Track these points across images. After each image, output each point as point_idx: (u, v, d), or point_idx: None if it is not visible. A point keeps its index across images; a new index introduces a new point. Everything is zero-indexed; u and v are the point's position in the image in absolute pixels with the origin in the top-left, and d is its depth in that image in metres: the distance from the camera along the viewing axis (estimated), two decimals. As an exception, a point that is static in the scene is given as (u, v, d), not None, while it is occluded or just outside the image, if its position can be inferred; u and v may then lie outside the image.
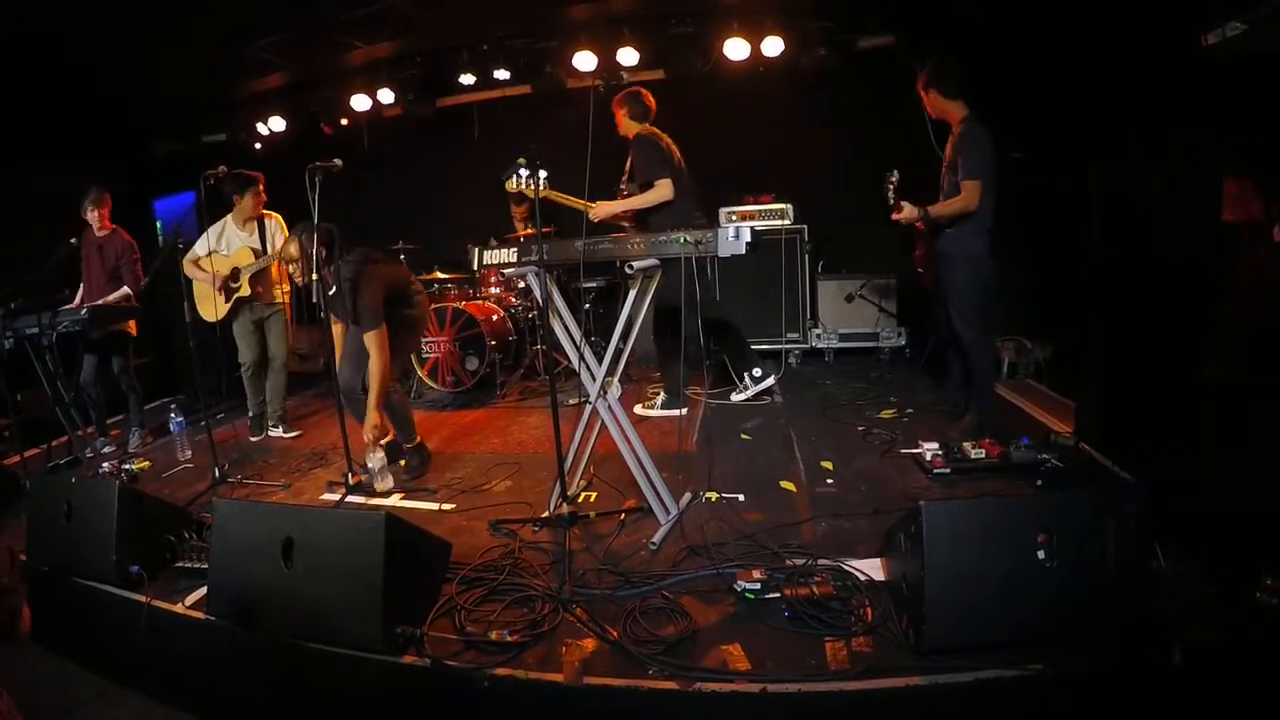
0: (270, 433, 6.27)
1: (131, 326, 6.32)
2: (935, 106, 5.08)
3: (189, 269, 5.86)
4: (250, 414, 6.30)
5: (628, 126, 5.74)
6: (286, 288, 6.13)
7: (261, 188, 6.05)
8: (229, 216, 6.01)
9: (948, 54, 5.97)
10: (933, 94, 5.05)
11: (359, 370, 4.88)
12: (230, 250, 5.97)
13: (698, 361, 6.41)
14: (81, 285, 6.31)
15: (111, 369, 6.32)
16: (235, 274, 5.89)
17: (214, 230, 5.94)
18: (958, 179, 4.76)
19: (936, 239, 5.08)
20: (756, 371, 5.94)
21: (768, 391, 6.16)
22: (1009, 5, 5.75)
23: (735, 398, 6.16)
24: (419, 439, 5.14)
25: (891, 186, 4.97)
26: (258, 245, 6.01)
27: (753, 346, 6.41)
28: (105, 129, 8.05)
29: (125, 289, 6.23)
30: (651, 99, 5.78)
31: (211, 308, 5.83)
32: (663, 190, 5.38)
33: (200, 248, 5.85)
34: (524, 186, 5.28)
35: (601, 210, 5.52)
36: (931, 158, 5.33)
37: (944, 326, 5.26)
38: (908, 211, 4.93)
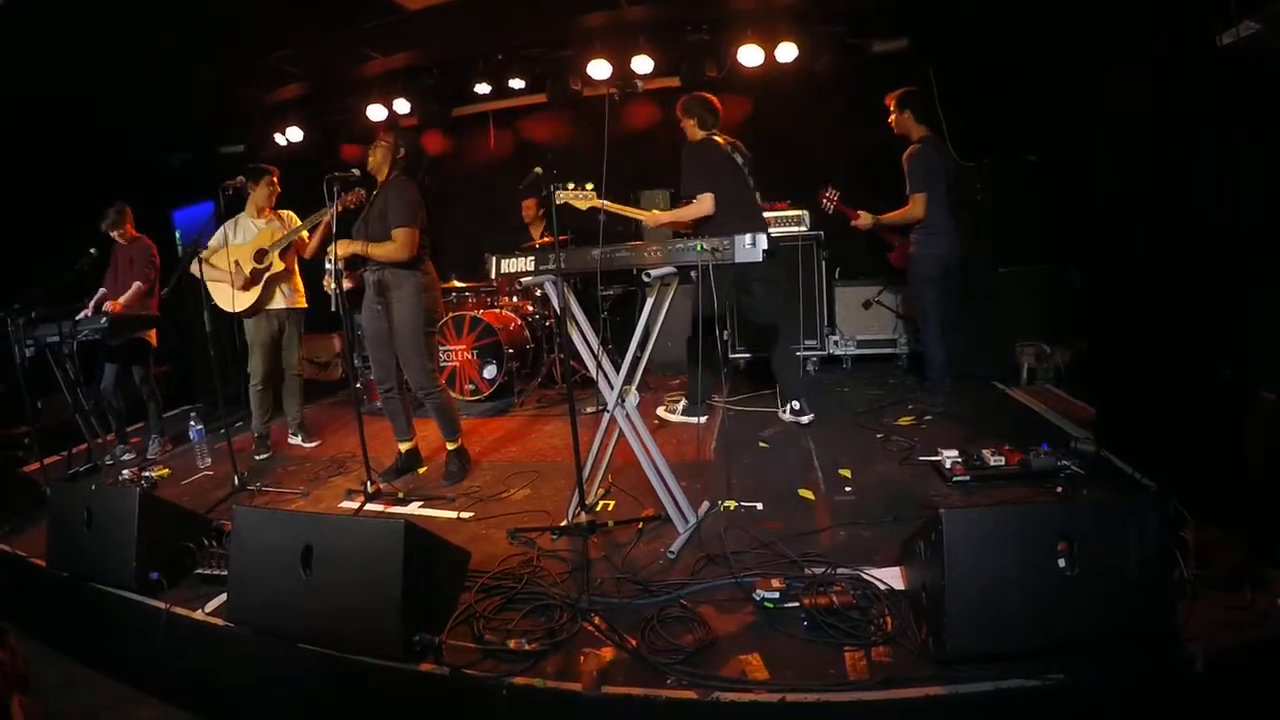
0: (291, 440, 6.28)
1: (152, 336, 6.36)
2: (901, 124, 5.85)
3: (196, 268, 5.43)
4: (255, 434, 6.07)
5: (694, 134, 5.66)
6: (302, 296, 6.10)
7: (275, 179, 5.99)
8: (242, 213, 5.91)
9: (956, 61, 6.04)
10: (906, 114, 5.82)
11: (390, 367, 4.93)
12: (247, 239, 5.82)
13: (717, 370, 6.38)
14: (102, 290, 6.35)
15: (132, 377, 6.37)
16: (261, 256, 5.75)
17: (228, 225, 5.81)
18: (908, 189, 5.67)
19: (905, 243, 5.92)
20: (796, 405, 5.86)
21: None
22: (1020, 7, 5.74)
23: (783, 415, 6.04)
24: (461, 442, 5.17)
25: (830, 203, 6.05)
26: (278, 228, 5.90)
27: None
28: (124, 141, 8.11)
29: (137, 284, 6.24)
30: (717, 103, 5.68)
31: (236, 301, 5.63)
32: (702, 205, 5.33)
33: (215, 241, 5.69)
34: (571, 197, 5.24)
35: (654, 220, 5.55)
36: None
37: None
38: (864, 219, 5.92)
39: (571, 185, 4.88)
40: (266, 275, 5.76)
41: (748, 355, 7.78)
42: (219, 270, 5.61)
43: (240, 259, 5.71)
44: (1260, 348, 3.45)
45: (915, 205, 5.63)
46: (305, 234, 5.77)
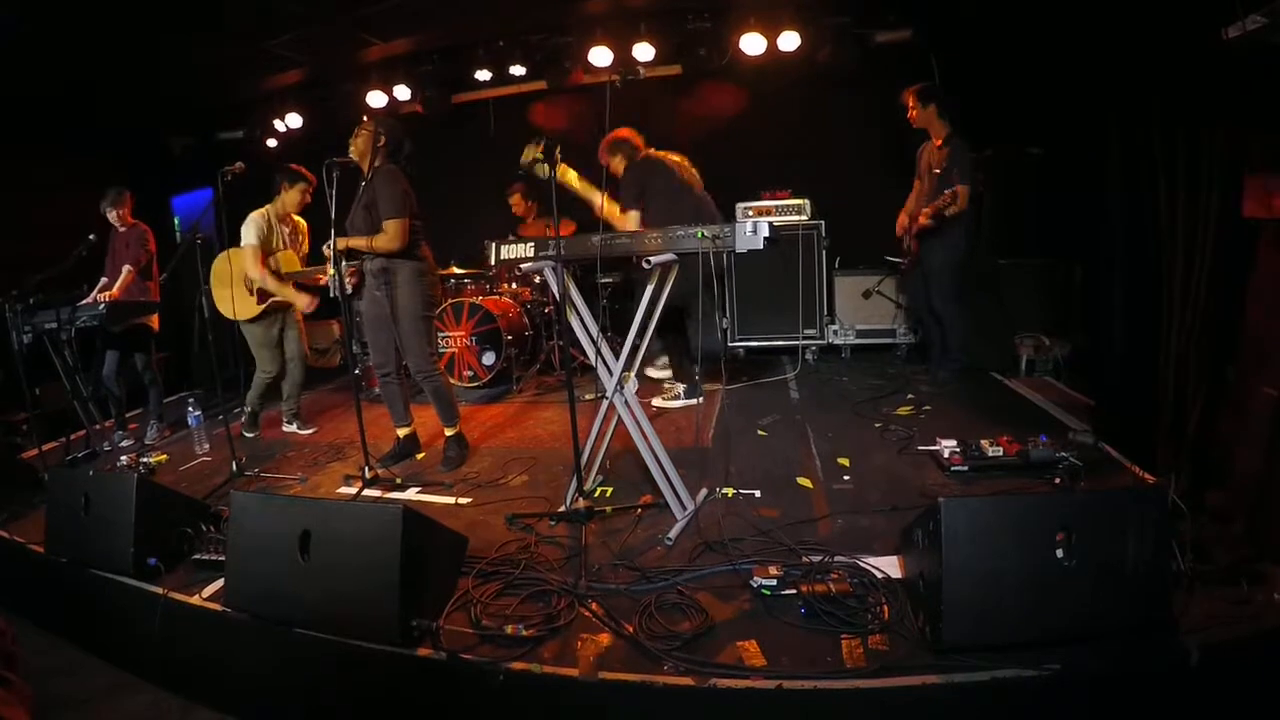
0: (285, 429, 6.27)
1: (154, 322, 6.35)
2: (925, 118, 6.02)
3: (220, 266, 5.65)
4: (247, 408, 6.10)
5: (620, 167, 5.84)
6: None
7: (310, 188, 5.88)
8: (268, 208, 5.83)
9: (959, 52, 6.08)
10: (931, 108, 5.98)
11: (389, 352, 4.96)
12: (274, 246, 5.81)
13: (715, 356, 6.42)
14: (104, 279, 6.33)
15: (134, 364, 6.36)
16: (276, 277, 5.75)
17: (260, 220, 5.72)
18: (951, 182, 5.78)
19: (924, 230, 6.10)
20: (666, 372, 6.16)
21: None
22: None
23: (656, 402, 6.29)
24: (460, 428, 5.17)
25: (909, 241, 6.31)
26: (297, 241, 5.95)
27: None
28: (123, 127, 8.09)
29: (126, 267, 6.21)
30: (630, 133, 5.91)
31: (242, 305, 5.65)
32: (627, 221, 5.58)
33: (257, 236, 5.64)
34: (536, 158, 5.29)
35: (606, 211, 5.50)
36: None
37: (925, 303, 6.44)
38: (924, 219, 5.99)
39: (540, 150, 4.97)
40: (272, 299, 5.80)
41: (749, 344, 7.78)
42: (235, 270, 5.61)
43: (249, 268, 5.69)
44: (1262, 344, 3.45)
45: (963, 196, 5.79)
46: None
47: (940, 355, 6.47)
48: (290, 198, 5.85)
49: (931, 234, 6.05)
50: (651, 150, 5.86)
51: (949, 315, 6.27)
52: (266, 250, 5.69)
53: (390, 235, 4.63)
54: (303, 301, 5.80)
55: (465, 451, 5.16)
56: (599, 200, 5.12)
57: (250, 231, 5.65)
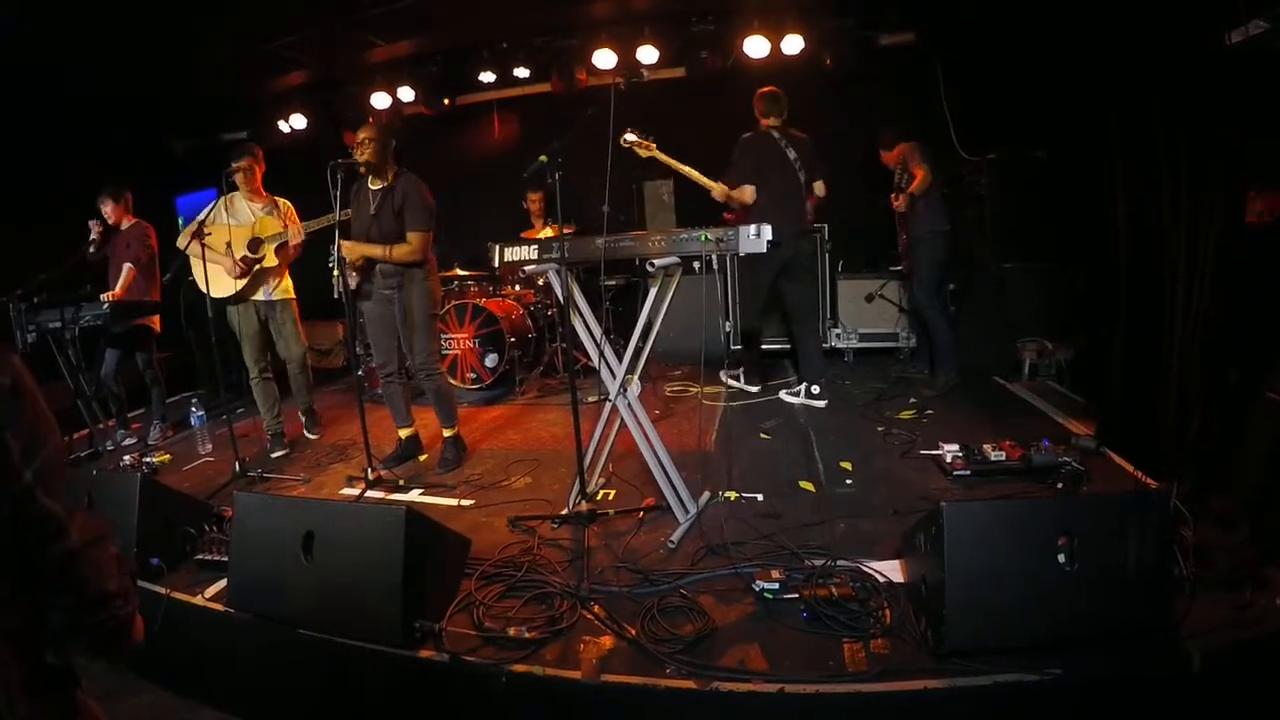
0: (306, 435, 6.13)
1: (155, 322, 6.33)
2: (897, 157, 6.43)
3: (184, 241, 5.32)
4: (268, 433, 5.77)
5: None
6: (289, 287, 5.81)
7: (257, 157, 5.69)
8: (235, 192, 5.60)
9: (964, 55, 6.15)
10: (883, 154, 6.56)
11: (392, 353, 5.00)
12: (241, 222, 5.53)
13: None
14: (110, 281, 6.31)
15: (133, 363, 6.36)
16: (256, 244, 5.47)
17: (222, 203, 5.49)
18: (910, 170, 6.21)
19: (908, 227, 6.45)
20: (815, 389, 6.01)
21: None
22: (1029, 4, 5.72)
23: (785, 396, 6.27)
24: (458, 429, 5.19)
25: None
26: (275, 216, 5.59)
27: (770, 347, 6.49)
28: (128, 127, 8.09)
29: (127, 265, 6.14)
30: (776, 90, 5.96)
31: (222, 284, 5.40)
32: (743, 194, 5.59)
33: (205, 216, 5.27)
34: (637, 144, 5.39)
35: (719, 190, 5.79)
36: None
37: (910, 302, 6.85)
38: (901, 201, 6.33)
39: (634, 133, 5.02)
40: (257, 267, 5.49)
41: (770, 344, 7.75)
42: (210, 250, 5.22)
43: (232, 242, 5.45)
44: (1266, 348, 3.45)
45: (925, 177, 6.06)
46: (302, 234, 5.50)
47: (933, 356, 6.59)
48: (240, 179, 5.56)
49: (916, 229, 6.27)
50: (776, 127, 5.91)
51: (923, 310, 6.45)
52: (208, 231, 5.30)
53: (414, 247, 4.67)
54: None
55: (463, 454, 5.18)
56: (704, 179, 5.65)
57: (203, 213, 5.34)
